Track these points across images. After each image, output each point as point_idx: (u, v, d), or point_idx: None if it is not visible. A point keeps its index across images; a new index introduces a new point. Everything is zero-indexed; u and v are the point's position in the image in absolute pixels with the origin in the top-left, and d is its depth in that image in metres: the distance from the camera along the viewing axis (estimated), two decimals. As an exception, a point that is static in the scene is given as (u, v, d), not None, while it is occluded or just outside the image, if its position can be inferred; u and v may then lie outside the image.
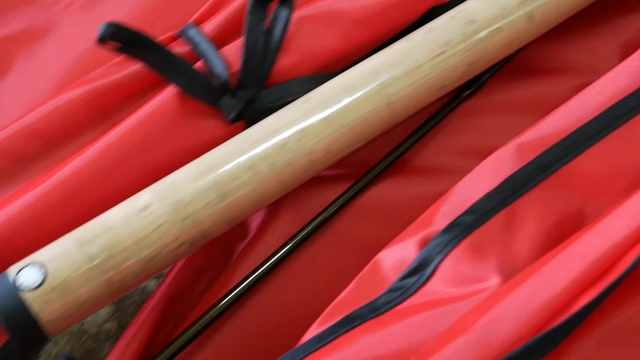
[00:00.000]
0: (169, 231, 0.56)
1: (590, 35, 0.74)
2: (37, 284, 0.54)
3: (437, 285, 0.55)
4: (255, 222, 0.67)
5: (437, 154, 0.69)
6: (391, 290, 0.55)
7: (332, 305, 0.56)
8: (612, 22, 0.74)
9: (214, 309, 0.61)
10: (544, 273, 0.50)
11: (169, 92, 0.64)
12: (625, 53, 0.71)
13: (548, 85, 0.72)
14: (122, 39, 0.62)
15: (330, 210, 0.65)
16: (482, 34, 0.65)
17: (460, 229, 0.56)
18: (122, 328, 0.71)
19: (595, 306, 0.48)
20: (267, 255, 0.63)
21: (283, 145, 0.60)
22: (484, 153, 0.63)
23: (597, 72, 0.67)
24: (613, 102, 0.61)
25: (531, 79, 0.72)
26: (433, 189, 0.67)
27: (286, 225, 0.66)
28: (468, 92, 0.69)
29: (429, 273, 0.55)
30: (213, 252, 0.68)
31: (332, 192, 0.67)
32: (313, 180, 0.65)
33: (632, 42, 0.74)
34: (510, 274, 0.54)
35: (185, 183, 0.58)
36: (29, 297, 0.53)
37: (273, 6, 0.66)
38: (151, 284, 0.72)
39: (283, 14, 0.65)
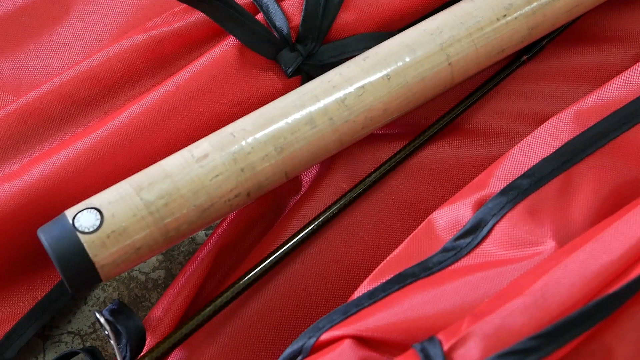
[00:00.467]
0: (226, 181, 0.57)
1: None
2: (94, 227, 0.54)
3: (492, 246, 0.55)
4: (308, 178, 0.68)
5: (493, 117, 0.69)
6: (445, 250, 0.55)
7: (384, 262, 0.56)
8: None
9: (264, 263, 0.61)
10: (602, 239, 0.50)
11: (229, 43, 0.65)
12: (687, 24, 0.70)
13: (607, 53, 0.71)
14: (186, -13, 0.63)
15: (384, 169, 0.65)
16: (546, -1, 0.64)
17: (517, 192, 0.56)
18: (170, 277, 0.71)
19: (654, 274, 0.47)
20: (319, 211, 0.63)
21: (342, 100, 0.60)
22: (539, 118, 0.63)
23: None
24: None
25: (590, 47, 0.72)
26: (487, 152, 0.67)
27: (339, 182, 0.66)
28: (527, 56, 0.69)
29: (483, 234, 0.55)
30: (265, 205, 0.68)
31: (386, 151, 0.67)
32: (367, 139, 0.65)
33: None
34: (566, 238, 0.54)
35: (244, 134, 0.58)
36: (86, 240, 0.54)
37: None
38: (201, 234, 0.73)
39: (347, -32, 0.65)
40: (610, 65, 0.71)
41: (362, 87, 0.60)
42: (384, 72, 0.61)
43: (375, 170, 0.65)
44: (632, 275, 0.47)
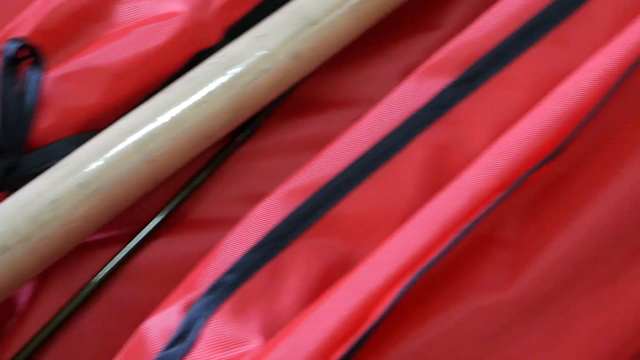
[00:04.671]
0: None
1: (370, 64, 0.72)
2: None
3: (203, 352, 0.52)
4: (23, 297, 0.64)
5: (216, 204, 0.67)
6: (156, 362, 0.53)
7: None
8: (391, 49, 0.73)
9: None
10: (299, 332, 0.48)
11: None
12: (406, 80, 0.70)
13: (328, 121, 0.70)
14: None
15: (100, 276, 0.62)
16: (246, 78, 0.63)
17: (223, 289, 0.54)
18: None
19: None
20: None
21: (35, 218, 0.57)
22: (264, 199, 0.60)
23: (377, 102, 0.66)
24: (378, 139, 0.59)
25: (310, 116, 0.70)
26: (213, 244, 0.64)
27: (55, 299, 0.62)
28: (242, 136, 0.67)
29: (192, 339, 0.53)
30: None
31: (105, 257, 0.64)
32: (82, 247, 0.62)
33: (413, 67, 0.72)
34: (273, 332, 0.52)
35: None
36: None
37: (25, 68, 0.63)
38: None
39: (34, 76, 0.62)
40: (334, 133, 0.69)
41: (55, 200, 0.57)
42: (78, 180, 0.58)
43: (90, 280, 0.61)
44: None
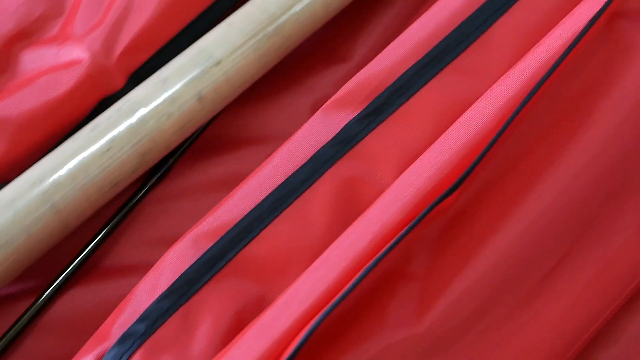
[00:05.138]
0: None
1: (280, 99, 0.72)
2: None
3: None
4: None
5: (131, 250, 0.66)
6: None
7: None
8: (302, 83, 0.73)
9: None
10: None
11: None
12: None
13: (241, 159, 0.70)
14: None
15: (13, 330, 0.61)
16: (151, 122, 0.62)
17: (133, 339, 0.53)
18: None
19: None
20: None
21: (-59, 277, 0.56)
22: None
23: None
24: (286, 176, 0.59)
25: (223, 155, 0.70)
26: (129, 290, 0.63)
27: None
28: (154, 179, 0.66)
29: (106, 394, 0.52)
30: None
31: (19, 310, 0.63)
32: (-6, 301, 0.61)
33: (324, 101, 0.72)
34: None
35: None
36: None
37: None
38: None
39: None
40: (248, 171, 0.69)
41: (-41, 259, 0.56)
42: (-17, 237, 0.57)
43: (3, 335, 0.61)
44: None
